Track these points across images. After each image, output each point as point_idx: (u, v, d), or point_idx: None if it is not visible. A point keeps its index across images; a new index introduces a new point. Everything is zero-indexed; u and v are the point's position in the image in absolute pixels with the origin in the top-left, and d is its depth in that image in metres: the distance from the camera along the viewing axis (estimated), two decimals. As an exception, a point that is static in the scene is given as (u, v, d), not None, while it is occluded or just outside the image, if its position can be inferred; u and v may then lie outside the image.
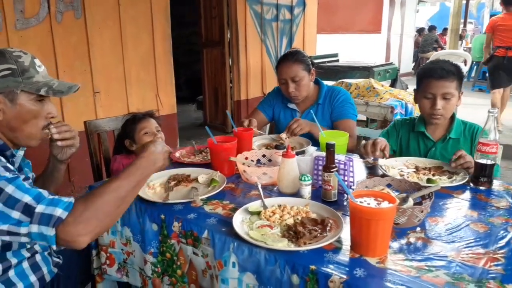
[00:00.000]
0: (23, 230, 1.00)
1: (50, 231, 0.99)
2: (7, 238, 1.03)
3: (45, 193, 1.06)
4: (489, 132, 1.49)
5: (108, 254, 1.56)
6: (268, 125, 2.74)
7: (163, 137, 2.07)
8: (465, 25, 14.21)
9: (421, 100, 1.85)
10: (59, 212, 1.01)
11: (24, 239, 1.03)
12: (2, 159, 1.13)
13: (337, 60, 5.76)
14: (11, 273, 1.23)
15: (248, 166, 1.64)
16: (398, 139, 2.02)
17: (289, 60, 2.16)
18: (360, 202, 1.10)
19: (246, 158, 1.73)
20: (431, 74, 1.79)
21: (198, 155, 1.97)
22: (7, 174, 1.06)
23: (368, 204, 1.09)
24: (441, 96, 1.78)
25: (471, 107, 6.59)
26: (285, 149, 1.78)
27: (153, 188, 1.56)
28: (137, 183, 1.17)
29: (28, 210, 1.00)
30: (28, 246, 1.28)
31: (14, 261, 1.23)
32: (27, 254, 1.28)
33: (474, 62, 9.42)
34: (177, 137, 5.03)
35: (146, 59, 4.41)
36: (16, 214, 1.00)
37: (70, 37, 3.65)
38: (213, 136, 1.70)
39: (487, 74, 8.62)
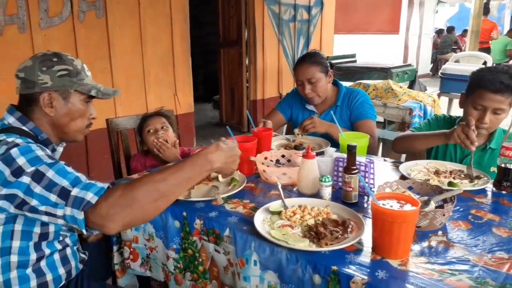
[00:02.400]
0: (59, 212, 1.05)
1: (79, 215, 1.03)
2: (46, 218, 1.08)
3: (82, 177, 1.11)
4: (513, 136, 1.47)
5: (131, 249, 1.59)
6: (285, 126, 2.75)
7: (170, 135, 2.09)
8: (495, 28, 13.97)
9: (468, 108, 1.74)
10: (89, 196, 1.04)
11: (60, 221, 1.07)
12: (46, 149, 1.20)
13: (355, 61, 5.73)
14: (43, 263, 1.27)
15: (268, 166, 1.65)
16: None
17: (306, 62, 2.17)
18: (383, 204, 1.10)
19: (266, 158, 1.75)
20: (487, 86, 1.65)
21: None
22: (49, 160, 1.12)
23: (391, 206, 1.10)
24: (491, 111, 1.67)
25: None
26: (304, 150, 1.80)
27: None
28: (185, 180, 1.11)
29: (64, 193, 1.05)
30: (61, 238, 1.32)
31: (47, 251, 1.27)
32: (59, 247, 1.32)
33: (495, 64, 9.28)
34: (194, 136, 5.08)
35: (165, 59, 4.47)
36: (53, 197, 1.05)
37: (92, 36, 3.73)
38: (234, 135, 1.71)
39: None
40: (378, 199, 1.13)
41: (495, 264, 1.06)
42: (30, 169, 1.08)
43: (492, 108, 1.67)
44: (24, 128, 1.26)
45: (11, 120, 1.26)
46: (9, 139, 1.15)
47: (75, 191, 1.05)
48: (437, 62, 11.95)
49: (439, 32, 12.48)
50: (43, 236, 1.25)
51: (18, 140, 1.16)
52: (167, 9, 4.34)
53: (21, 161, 1.09)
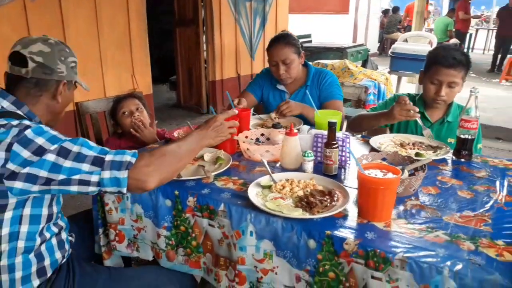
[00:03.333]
0: (94, 178, 1.13)
1: (122, 174, 1.14)
2: (75, 188, 1.14)
3: (107, 148, 1.20)
4: (470, 110, 1.64)
5: (117, 231, 1.61)
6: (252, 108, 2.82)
7: (145, 116, 2.11)
8: (426, 8, 14.68)
9: (426, 84, 1.92)
10: (128, 158, 1.16)
11: (92, 188, 1.15)
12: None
13: (310, 41, 5.87)
14: (43, 247, 1.28)
15: (250, 145, 1.72)
16: None
17: (281, 42, 2.23)
18: (369, 173, 1.22)
19: (246, 137, 1.82)
20: (441, 62, 1.83)
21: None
22: (68, 137, 1.18)
23: (376, 175, 1.22)
24: (447, 84, 1.85)
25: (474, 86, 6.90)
26: (282, 128, 1.89)
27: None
28: (191, 150, 1.33)
29: (98, 161, 1.14)
30: (58, 220, 1.35)
31: (48, 235, 1.29)
32: (55, 230, 1.33)
33: (437, 43, 9.84)
34: (154, 118, 5.01)
35: (122, 40, 4.36)
36: (86, 167, 1.13)
37: (45, 17, 3.56)
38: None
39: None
40: (363, 169, 1.24)
41: (464, 221, 1.21)
42: (53, 147, 1.13)
43: (447, 81, 1.86)
44: (19, 112, 1.26)
45: (5, 104, 1.25)
46: (14, 122, 1.16)
47: (109, 157, 1.15)
48: (383, 42, 12.46)
49: (385, 12, 12.94)
50: (49, 218, 1.27)
51: (26, 122, 1.18)
52: (122, -13, 4.21)
53: (40, 141, 1.13)
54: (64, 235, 1.38)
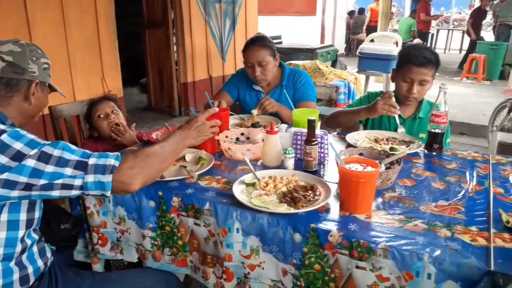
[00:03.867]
0: (78, 182, 1.13)
1: (107, 178, 1.14)
2: (57, 193, 1.13)
3: (88, 151, 1.19)
4: (440, 105, 1.73)
5: (100, 235, 1.60)
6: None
7: (121, 118, 2.09)
8: (390, 9, 15.11)
9: (399, 82, 1.99)
10: (112, 161, 1.16)
11: (75, 192, 1.15)
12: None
13: (281, 42, 5.94)
14: (24, 256, 1.26)
15: (231, 144, 1.75)
16: None
17: (257, 44, 2.27)
18: (349, 167, 1.27)
19: (227, 137, 1.84)
20: (412, 61, 1.90)
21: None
22: (47, 141, 1.16)
23: (356, 169, 1.27)
24: (418, 82, 1.92)
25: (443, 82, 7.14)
26: (261, 127, 1.92)
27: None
28: (174, 150, 1.34)
29: (81, 165, 1.14)
30: (37, 227, 1.33)
31: (29, 242, 1.26)
32: (36, 237, 1.31)
33: (402, 43, 10.16)
34: (131, 120, 4.93)
35: (91, 42, 4.28)
36: (69, 171, 1.13)
37: (10, 18, 3.45)
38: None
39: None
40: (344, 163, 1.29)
41: (439, 210, 1.28)
42: (32, 151, 1.11)
43: (419, 80, 1.94)
44: None
45: None
46: None
47: (92, 161, 1.15)
48: (350, 42, 12.73)
49: (351, 13, 13.23)
50: (29, 223, 1.24)
51: (0, 126, 1.15)
52: (90, -11, 4.13)
53: (17, 145, 1.10)
54: (44, 244, 1.36)
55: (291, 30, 9.33)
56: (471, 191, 1.42)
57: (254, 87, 2.42)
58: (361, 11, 12.50)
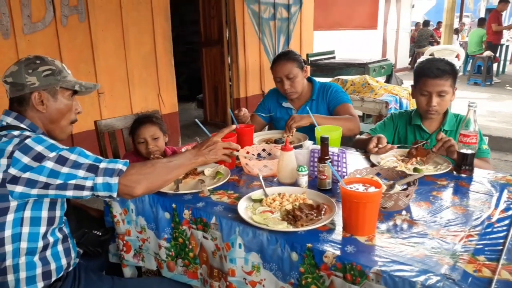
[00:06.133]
0: (89, 183, 1.26)
1: (114, 180, 1.26)
2: (71, 193, 1.26)
3: (100, 157, 1.32)
4: (469, 124, 1.63)
5: (124, 242, 1.70)
6: (266, 127, 2.85)
7: (159, 146, 2.11)
8: (461, 19, 14.34)
9: (417, 97, 1.98)
10: (120, 166, 1.29)
11: (86, 193, 1.27)
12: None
13: (334, 57, 5.89)
14: (48, 252, 1.39)
15: (250, 160, 1.78)
16: (396, 131, 2.14)
17: (283, 59, 2.31)
18: (350, 187, 1.24)
19: (248, 153, 1.88)
20: (427, 74, 1.90)
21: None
22: (66, 146, 1.30)
23: (357, 189, 1.24)
24: (436, 94, 1.90)
25: (466, 100, 6.73)
26: (283, 143, 1.93)
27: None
28: (180, 165, 1.42)
29: (92, 168, 1.27)
30: (62, 225, 1.45)
31: (51, 240, 1.39)
32: (60, 236, 1.43)
33: (470, 56, 9.58)
34: (179, 135, 5.17)
35: (148, 60, 4.55)
36: (81, 173, 1.26)
37: (75, 40, 3.80)
38: (205, 128, 1.84)
39: (482, 68, 8.79)
40: (347, 183, 1.27)
41: (449, 237, 1.20)
42: (51, 154, 1.25)
43: (436, 91, 1.90)
44: (22, 125, 1.37)
45: (9, 120, 1.38)
46: (15, 133, 1.29)
47: (103, 165, 1.28)
48: (415, 56, 12.25)
49: (416, 25, 12.76)
50: (50, 221, 1.37)
51: (27, 133, 1.31)
52: (148, 11, 4.43)
53: (39, 148, 1.25)
54: (70, 244, 1.48)
55: (350, 45, 9.22)
56: (492, 217, 1.32)
57: (284, 104, 2.44)
58: (426, 23, 12.01)
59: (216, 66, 6.07)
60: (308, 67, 2.40)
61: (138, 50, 4.41)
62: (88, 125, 3.46)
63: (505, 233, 1.22)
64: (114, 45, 4.16)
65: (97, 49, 3.98)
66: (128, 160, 1.33)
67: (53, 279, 1.41)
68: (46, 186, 1.24)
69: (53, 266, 1.40)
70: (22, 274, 1.33)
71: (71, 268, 1.50)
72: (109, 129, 2.44)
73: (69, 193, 1.26)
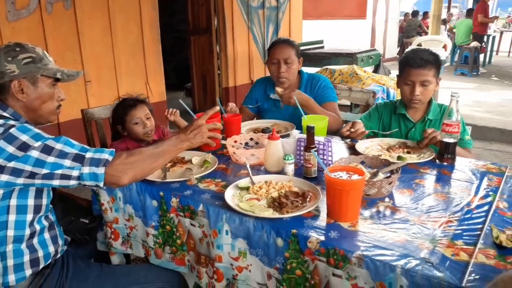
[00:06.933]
0: (75, 173, 1.26)
1: (100, 170, 1.27)
2: (57, 182, 1.27)
3: (86, 146, 1.32)
4: (452, 114, 1.67)
5: (112, 230, 1.72)
6: (255, 118, 2.85)
7: (152, 124, 2.16)
8: (449, 9, 14.43)
9: (402, 86, 2.03)
10: (106, 156, 1.29)
11: (73, 182, 1.28)
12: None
13: (322, 47, 5.90)
14: (35, 240, 1.39)
15: (237, 149, 1.80)
16: (380, 121, 2.18)
17: (284, 42, 2.32)
18: (334, 175, 1.27)
19: (235, 142, 1.89)
20: (410, 64, 1.95)
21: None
22: (51, 135, 1.29)
23: (341, 177, 1.27)
24: (419, 83, 1.94)
25: (453, 90, 6.82)
26: (270, 133, 1.95)
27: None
28: (166, 151, 1.43)
29: (78, 158, 1.27)
30: (48, 213, 1.46)
31: (38, 227, 1.40)
32: (46, 224, 1.43)
33: (457, 46, 9.66)
34: (167, 124, 5.14)
35: (135, 48, 4.51)
36: (67, 162, 1.26)
37: (61, 28, 3.74)
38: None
39: (468, 58, 8.88)
40: (331, 171, 1.30)
41: (430, 223, 1.24)
42: (37, 144, 1.25)
43: (419, 81, 1.95)
44: (4, 114, 1.36)
45: None
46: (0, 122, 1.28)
47: (89, 155, 1.28)
48: (403, 46, 12.31)
49: (405, 15, 12.81)
50: (37, 209, 1.38)
51: (11, 122, 1.30)
52: (135, -2, 4.38)
53: (24, 138, 1.25)
54: (57, 231, 1.48)
55: (339, 34, 9.23)
56: (471, 203, 1.36)
57: (271, 96, 2.45)
58: (415, 13, 12.05)
59: (205, 55, 6.04)
60: (302, 59, 2.40)
61: (125, 38, 4.36)
62: (75, 114, 3.43)
63: (483, 218, 1.26)
64: (101, 32, 4.11)
65: (83, 37, 3.93)
66: (114, 150, 1.33)
67: (41, 266, 1.42)
68: (32, 175, 1.24)
69: (40, 253, 1.40)
70: (10, 262, 1.33)
71: (59, 255, 1.51)
72: (96, 117, 2.43)
73: (56, 182, 1.27)
